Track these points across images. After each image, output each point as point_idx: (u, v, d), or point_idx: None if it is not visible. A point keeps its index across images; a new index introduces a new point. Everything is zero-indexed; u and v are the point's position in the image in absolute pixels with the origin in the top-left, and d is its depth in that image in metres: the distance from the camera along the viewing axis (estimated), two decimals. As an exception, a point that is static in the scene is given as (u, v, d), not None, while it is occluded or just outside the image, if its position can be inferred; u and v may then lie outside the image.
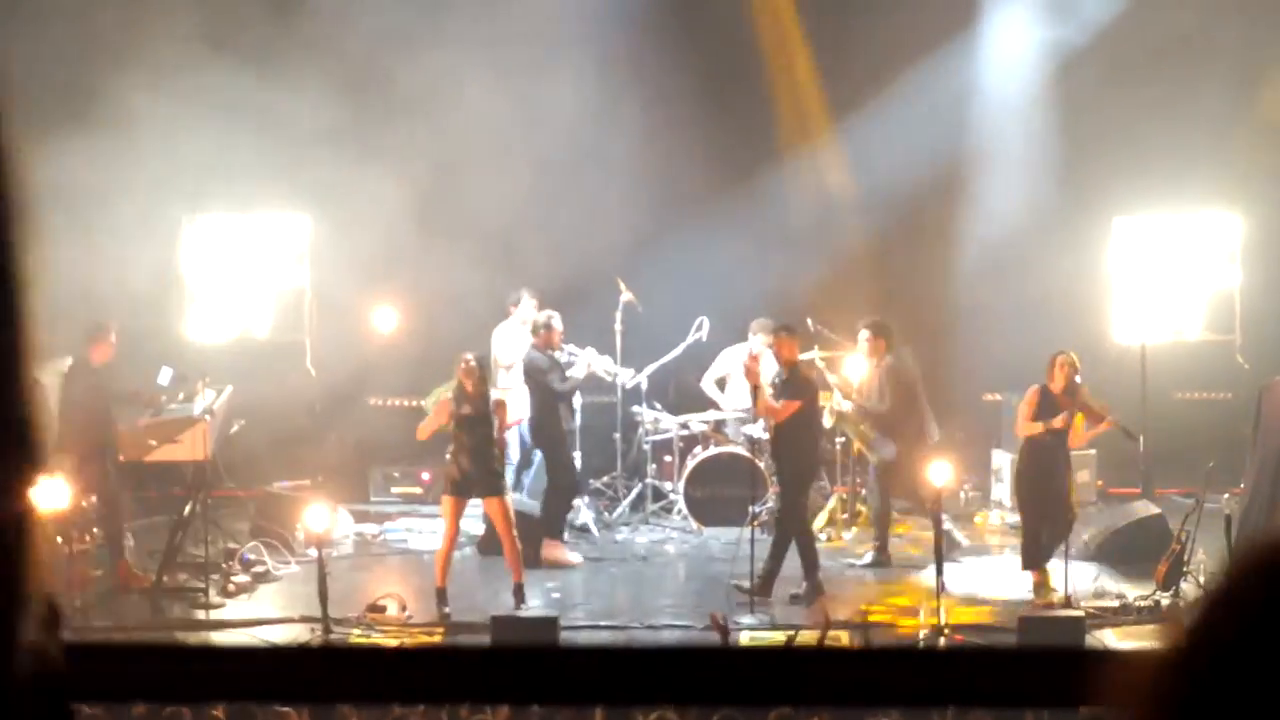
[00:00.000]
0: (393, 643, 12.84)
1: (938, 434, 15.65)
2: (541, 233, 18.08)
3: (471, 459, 13.86)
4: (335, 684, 2.45)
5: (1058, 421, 13.93)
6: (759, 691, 2.40)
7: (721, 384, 17.42)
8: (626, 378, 16.61)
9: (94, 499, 14.73)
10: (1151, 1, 17.73)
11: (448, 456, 14.02)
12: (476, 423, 13.89)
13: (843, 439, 16.77)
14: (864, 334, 15.59)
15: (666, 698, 2.30)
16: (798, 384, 14.32)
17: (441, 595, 13.84)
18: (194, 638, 13.65)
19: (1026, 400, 14.15)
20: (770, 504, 16.17)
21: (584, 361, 15.90)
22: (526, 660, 2.37)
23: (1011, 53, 18.46)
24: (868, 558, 15.47)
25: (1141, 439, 15.13)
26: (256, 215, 18.13)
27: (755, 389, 14.52)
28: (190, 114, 17.14)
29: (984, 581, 14.79)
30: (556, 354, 15.68)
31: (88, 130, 16.65)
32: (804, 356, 16.73)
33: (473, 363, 13.93)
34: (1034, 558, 14.17)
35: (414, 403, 17.72)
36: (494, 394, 14.35)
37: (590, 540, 16.03)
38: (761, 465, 16.16)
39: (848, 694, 2.45)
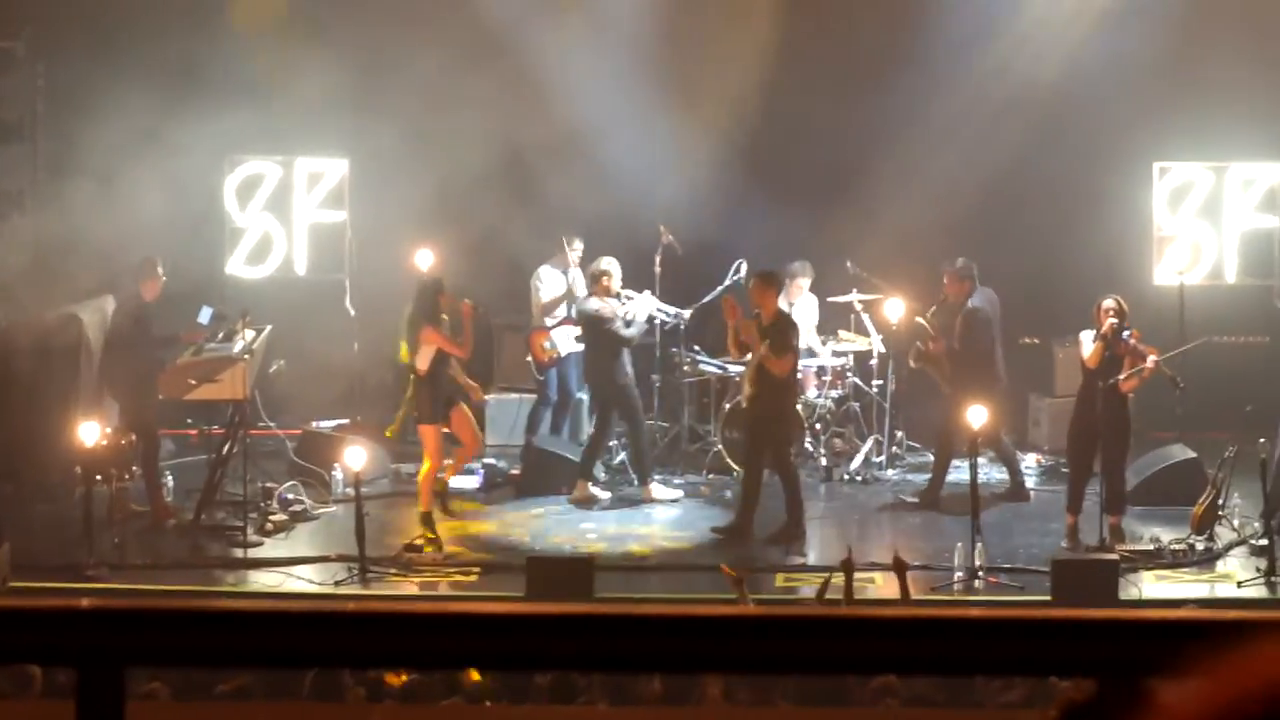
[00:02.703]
0: (429, 601, 12.92)
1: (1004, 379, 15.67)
2: (582, 173, 18.03)
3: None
4: (370, 648, 2.48)
5: (1091, 361, 13.97)
6: (794, 661, 2.44)
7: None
8: (686, 317, 16.54)
9: (134, 436, 14.85)
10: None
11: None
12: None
13: (880, 382, 16.74)
14: (948, 276, 15.55)
15: (698, 665, 2.34)
16: (787, 333, 14.50)
17: (425, 519, 14.30)
18: (231, 576, 13.79)
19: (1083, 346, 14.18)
20: (806, 444, 16.24)
21: (644, 306, 15.86)
22: (562, 626, 2.40)
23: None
24: (916, 498, 15.56)
25: (1180, 386, 15.05)
26: (297, 160, 18.29)
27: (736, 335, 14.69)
28: (235, 65, 17.27)
29: (1022, 524, 14.87)
30: (614, 301, 15.73)
31: (140, 78, 16.79)
32: (843, 299, 16.78)
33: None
34: (1075, 502, 14.23)
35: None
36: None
37: (628, 480, 16.07)
38: (798, 408, 16.16)
39: (876, 663, 2.48)
